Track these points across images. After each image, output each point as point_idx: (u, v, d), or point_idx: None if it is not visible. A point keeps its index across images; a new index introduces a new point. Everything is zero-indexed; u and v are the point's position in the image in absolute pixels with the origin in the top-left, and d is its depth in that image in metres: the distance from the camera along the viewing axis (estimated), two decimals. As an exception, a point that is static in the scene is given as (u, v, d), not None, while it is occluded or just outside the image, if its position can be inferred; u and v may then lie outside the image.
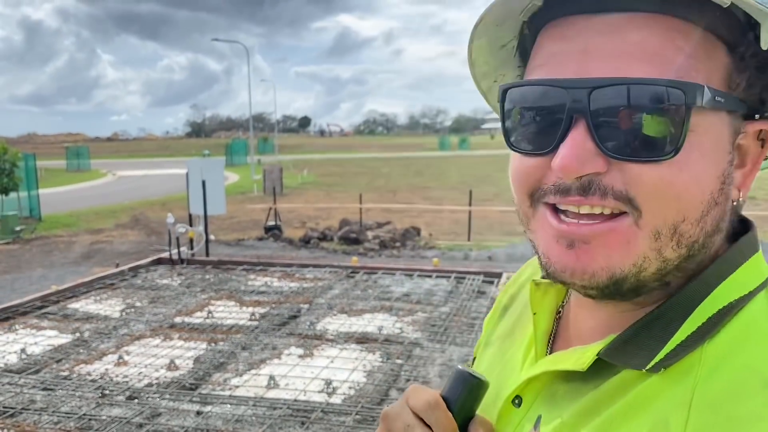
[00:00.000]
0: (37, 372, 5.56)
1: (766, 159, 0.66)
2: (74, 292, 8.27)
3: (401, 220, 17.18)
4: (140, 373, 5.56)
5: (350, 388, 5.20)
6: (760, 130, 0.64)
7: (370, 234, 14.82)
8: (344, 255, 12.73)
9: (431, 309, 7.51)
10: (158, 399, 4.97)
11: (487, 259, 12.16)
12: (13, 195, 18.22)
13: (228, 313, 7.47)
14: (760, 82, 0.62)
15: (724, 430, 0.53)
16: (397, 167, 44.41)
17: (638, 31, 0.58)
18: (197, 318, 7.23)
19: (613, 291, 0.61)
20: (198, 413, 4.70)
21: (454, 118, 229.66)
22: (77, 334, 6.61)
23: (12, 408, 4.74)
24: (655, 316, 0.62)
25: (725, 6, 0.56)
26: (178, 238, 9.93)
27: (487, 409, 0.74)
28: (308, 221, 18.00)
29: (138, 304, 7.85)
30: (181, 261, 9.97)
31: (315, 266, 9.87)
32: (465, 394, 0.71)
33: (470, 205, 16.06)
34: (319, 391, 5.11)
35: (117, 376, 5.49)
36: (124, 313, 7.40)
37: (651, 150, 0.57)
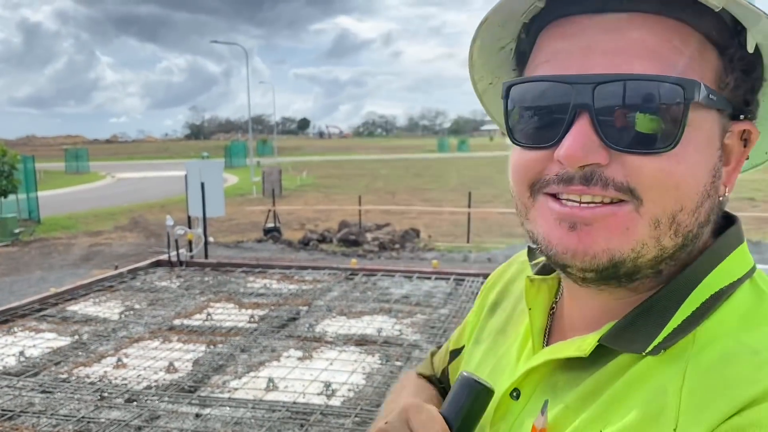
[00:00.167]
0: (35, 374, 5.55)
1: (747, 159, 0.70)
2: (73, 295, 8.25)
3: (400, 222, 17.18)
4: (139, 375, 5.55)
5: (349, 390, 5.20)
6: (743, 130, 0.68)
7: (369, 236, 14.81)
8: (343, 257, 12.73)
9: (430, 311, 7.50)
10: (157, 401, 4.96)
11: (487, 260, 12.16)
12: (11, 197, 18.21)
13: (227, 315, 7.46)
14: (745, 84, 0.66)
15: (717, 390, 0.57)
16: (396, 169, 44.42)
17: (638, 30, 0.61)
18: (196, 320, 7.22)
19: (610, 274, 0.64)
20: (197, 416, 4.69)
21: (453, 120, 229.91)
22: (76, 337, 6.60)
23: (10, 411, 4.73)
24: (651, 303, 0.66)
25: (717, 10, 0.61)
26: (177, 240, 9.92)
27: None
28: (307, 223, 18.00)
29: (137, 306, 7.84)
30: (180, 263, 9.96)
31: (314, 268, 9.86)
32: (471, 401, 0.71)
33: (469, 206, 16.06)
34: (319, 394, 5.10)
35: (116, 378, 5.48)
36: (122, 316, 7.39)
37: (651, 143, 0.60)
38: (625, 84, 0.60)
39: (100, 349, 6.22)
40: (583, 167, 0.61)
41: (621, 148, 0.61)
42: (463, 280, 8.85)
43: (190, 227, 10.97)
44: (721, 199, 0.67)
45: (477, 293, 8.11)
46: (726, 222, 0.71)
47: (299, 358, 5.93)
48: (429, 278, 9.06)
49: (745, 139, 0.68)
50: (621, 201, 0.62)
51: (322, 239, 14.77)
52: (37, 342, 6.45)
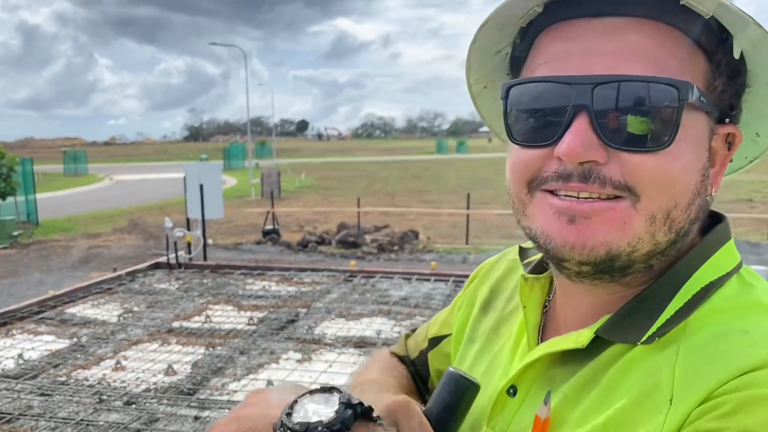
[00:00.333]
0: (34, 377, 5.54)
1: (731, 162, 0.74)
2: (72, 297, 8.24)
3: (399, 224, 17.19)
4: (138, 378, 5.54)
5: (349, 392, 5.19)
6: (728, 134, 0.71)
7: (368, 238, 14.81)
8: (342, 259, 12.73)
9: (429, 313, 7.50)
10: (156, 404, 4.95)
11: (486, 262, 12.15)
12: (10, 199, 18.19)
13: (226, 317, 7.45)
14: (730, 89, 0.69)
15: (711, 362, 0.59)
16: (395, 171, 44.44)
17: (635, 34, 0.64)
18: (195, 322, 7.21)
19: (606, 267, 0.66)
20: (196, 418, 4.69)
21: (451, 122, 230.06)
22: (75, 339, 6.59)
23: (9, 414, 4.72)
24: (644, 296, 0.69)
25: (706, 17, 0.64)
26: (175, 243, 9.91)
27: (478, 401, 0.74)
28: (306, 225, 18.00)
29: (136, 308, 7.83)
30: (179, 265, 9.95)
31: (313, 270, 9.86)
32: (458, 397, 0.71)
33: (468, 208, 16.07)
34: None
35: (114, 381, 5.47)
36: (121, 318, 7.38)
37: (648, 141, 0.63)
38: (623, 85, 0.62)
39: (98, 352, 6.21)
40: (582, 164, 0.63)
41: (619, 147, 0.63)
42: (462, 281, 8.83)
43: (188, 229, 10.96)
44: (708, 198, 0.70)
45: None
46: (713, 221, 0.74)
47: (298, 361, 5.92)
48: (428, 280, 9.06)
49: (729, 143, 0.72)
50: (618, 197, 0.64)
51: (321, 241, 14.77)
52: (35, 344, 6.44)
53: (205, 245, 10.97)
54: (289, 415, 0.59)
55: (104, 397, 5.04)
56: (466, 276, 1.07)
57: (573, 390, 0.68)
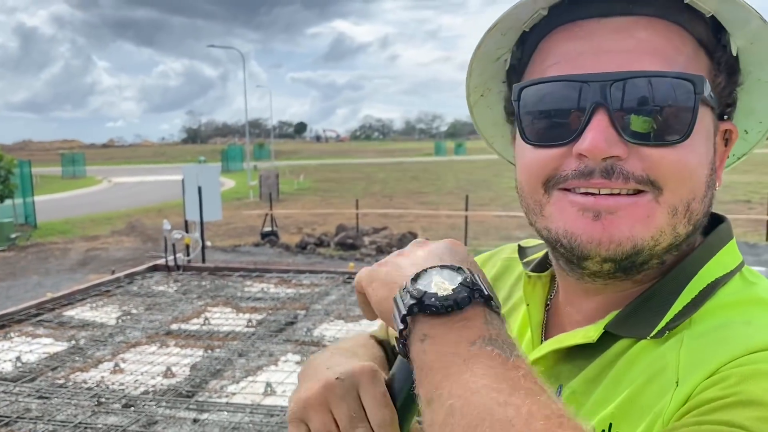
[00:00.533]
0: (32, 380, 5.53)
1: (728, 158, 0.76)
2: (70, 300, 8.23)
3: (398, 226, 17.19)
4: (136, 380, 5.53)
5: (348, 394, 5.19)
6: (726, 130, 0.73)
7: (366, 239, 14.81)
8: (341, 260, 12.72)
9: (428, 314, 7.50)
10: (154, 407, 4.94)
11: (484, 263, 12.15)
12: (8, 202, 18.17)
13: (224, 319, 7.44)
14: (728, 87, 0.71)
15: (715, 345, 0.60)
16: (394, 172, 44.45)
17: (644, 31, 0.66)
18: (194, 325, 7.21)
19: (628, 264, 0.67)
20: (195, 421, 4.68)
21: (450, 123, 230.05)
22: (73, 342, 6.58)
23: (7, 417, 4.71)
24: (652, 292, 0.70)
25: (707, 15, 0.66)
26: (174, 245, 9.90)
27: None
28: (305, 227, 17.99)
29: (134, 311, 7.82)
30: (178, 267, 9.94)
31: (311, 272, 9.85)
32: (411, 395, 0.68)
33: (466, 209, 16.07)
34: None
35: (113, 383, 5.46)
36: (120, 320, 7.37)
37: (667, 135, 0.64)
38: (641, 80, 0.64)
39: (97, 354, 6.20)
40: (605, 160, 0.64)
41: (639, 141, 0.64)
42: (460, 283, 8.82)
43: (187, 231, 10.95)
44: (713, 192, 0.71)
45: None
46: (714, 222, 0.76)
47: (297, 363, 5.91)
48: (427, 282, 9.05)
49: (726, 139, 0.73)
50: (639, 191, 0.65)
51: (320, 243, 14.77)
52: (33, 347, 6.43)
53: (203, 247, 10.96)
54: (414, 280, 0.60)
55: (103, 399, 5.03)
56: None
57: (581, 385, 0.69)
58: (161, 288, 9.02)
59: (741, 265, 0.72)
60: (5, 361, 6.03)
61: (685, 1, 0.66)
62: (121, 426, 4.57)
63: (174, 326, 7.13)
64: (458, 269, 0.60)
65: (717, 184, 0.72)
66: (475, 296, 0.58)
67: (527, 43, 0.73)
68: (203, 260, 10.83)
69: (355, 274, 9.70)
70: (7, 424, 4.61)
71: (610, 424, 0.63)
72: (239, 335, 6.78)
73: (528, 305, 0.81)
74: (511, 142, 0.82)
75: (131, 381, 5.51)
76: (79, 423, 4.62)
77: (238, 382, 5.49)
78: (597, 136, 0.63)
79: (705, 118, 0.67)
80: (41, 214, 19.97)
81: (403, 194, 28.33)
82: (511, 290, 0.91)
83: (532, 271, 0.84)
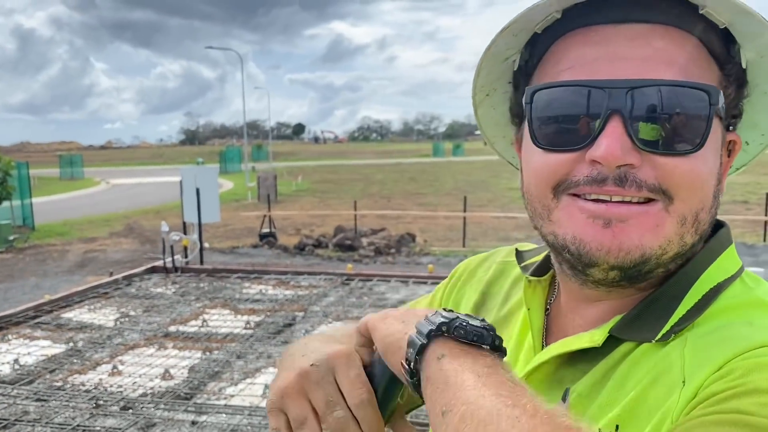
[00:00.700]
0: (30, 383, 5.52)
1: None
2: (68, 302, 8.22)
3: (396, 227, 17.19)
4: (135, 382, 5.52)
5: (346, 396, 5.18)
6: (730, 141, 0.73)
7: (364, 241, 14.81)
8: (339, 262, 12.73)
9: (427, 316, 7.50)
10: (153, 409, 4.94)
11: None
12: (6, 204, 18.16)
13: (223, 321, 7.44)
14: (736, 99, 0.71)
15: (719, 343, 0.61)
16: (392, 173, 44.44)
17: (661, 40, 0.66)
18: (192, 327, 7.20)
19: (634, 273, 0.67)
20: (193, 423, 4.67)
21: (448, 125, 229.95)
22: (71, 344, 6.57)
23: (5, 420, 4.70)
24: (656, 296, 0.70)
25: (722, 27, 0.67)
26: (172, 247, 9.89)
27: None
28: (303, 228, 17.99)
29: (132, 313, 7.81)
30: (176, 269, 9.94)
31: (310, 274, 9.85)
32: (393, 378, 0.70)
33: (465, 211, 16.08)
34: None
35: (111, 386, 5.45)
36: (118, 323, 7.36)
37: (681, 144, 0.65)
38: (657, 89, 0.63)
39: (95, 357, 6.19)
40: (619, 167, 0.64)
41: (653, 150, 0.64)
42: (459, 284, 8.82)
43: (185, 233, 10.94)
44: (718, 202, 0.72)
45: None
46: (713, 226, 0.76)
47: (295, 364, 5.91)
48: (425, 283, 9.05)
49: (730, 150, 0.73)
50: (651, 200, 0.65)
51: (318, 244, 14.77)
52: (31, 349, 6.42)
53: (201, 249, 10.95)
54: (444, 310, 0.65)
55: (101, 402, 5.02)
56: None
57: (586, 388, 0.69)
58: (159, 290, 9.01)
59: (741, 270, 0.72)
60: (3, 363, 6.02)
61: (701, 12, 0.66)
62: (120, 428, 4.56)
63: (172, 328, 7.13)
64: (482, 319, 0.63)
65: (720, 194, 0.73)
66: (496, 342, 0.61)
67: (537, 45, 0.72)
68: (201, 262, 10.83)
69: (353, 275, 9.73)
70: (5, 427, 4.60)
71: (617, 426, 0.63)
72: (237, 337, 6.78)
73: (529, 309, 0.81)
74: (514, 144, 0.83)
75: (129, 383, 5.51)
76: (78, 425, 4.61)
77: (236, 384, 5.48)
78: (613, 143, 0.63)
79: (716, 129, 0.67)
80: (39, 215, 19.95)
81: (402, 195, 28.34)
82: (507, 294, 0.91)
83: (532, 275, 0.84)
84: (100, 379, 5.60)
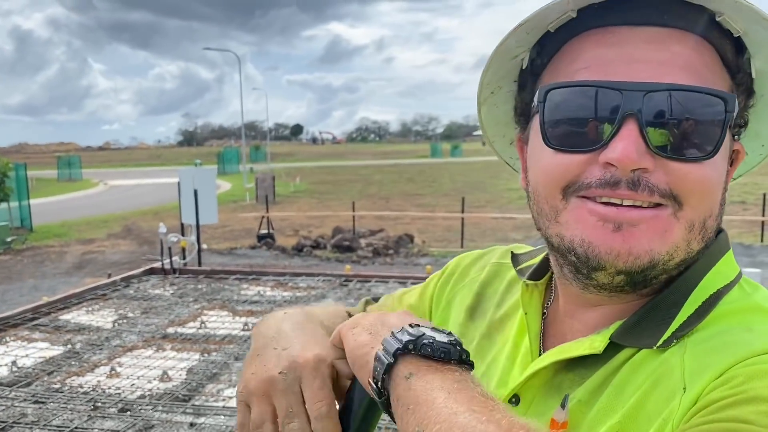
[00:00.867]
0: (28, 385, 5.51)
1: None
2: (66, 303, 8.20)
3: (394, 228, 17.20)
4: (133, 384, 5.51)
5: (344, 397, 5.18)
6: (734, 150, 0.73)
7: (363, 242, 14.81)
8: (337, 263, 12.73)
9: (425, 317, 7.49)
10: (151, 411, 4.93)
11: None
12: (3, 205, 18.14)
13: (221, 323, 7.43)
14: (743, 108, 0.70)
15: (718, 352, 0.61)
16: (390, 174, 44.44)
17: (679, 45, 0.65)
18: (190, 328, 7.19)
19: (640, 278, 0.67)
20: (191, 425, 4.67)
21: (446, 125, 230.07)
22: (69, 346, 6.56)
23: (2, 422, 4.69)
24: (656, 302, 0.69)
25: (736, 35, 0.66)
26: (170, 248, 9.88)
27: None
28: (301, 229, 17.98)
29: (130, 314, 7.80)
30: (174, 271, 9.92)
31: (308, 275, 9.84)
32: (369, 403, 0.70)
33: (463, 211, 16.09)
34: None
35: (109, 388, 5.45)
36: (116, 324, 7.35)
37: (695, 151, 0.64)
38: (674, 93, 0.63)
39: (93, 358, 6.18)
40: (633, 171, 0.63)
41: (667, 155, 0.64)
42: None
43: (183, 234, 10.94)
44: (723, 210, 0.72)
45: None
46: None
47: (294, 366, 5.91)
48: (423, 284, 9.05)
49: (733, 159, 0.73)
50: (660, 205, 0.64)
51: (316, 245, 14.76)
52: (29, 352, 6.41)
53: (199, 250, 10.94)
54: (410, 326, 0.65)
55: (99, 404, 5.02)
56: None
57: (586, 394, 0.68)
58: (157, 291, 9.00)
59: (739, 275, 0.72)
60: (0, 365, 6.01)
61: (717, 19, 0.65)
62: (118, 430, 4.56)
63: (170, 330, 7.12)
64: (449, 333, 0.64)
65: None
66: (463, 356, 0.62)
67: (547, 44, 0.72)
68: (199, 263, 10.83)
69: (352, 276, 9.71)
70: (3, 430, 4.60)
71: None
72: (236, 339, 6.77)
73: (526, 314, 0.80)
74: (515, 144, 0.82)
75: (127, 385, 5.50)
76: (76, 428, 4.60)
77: (234, 386, 5.47)
78: (628, 146, 0.62)
79: (727, 137, 0.67)
80: (37, 217, 19.93)
81: (400, 196, 28.34)
82: (502, 297, 0.90)
83: (529, 278, 0.83)
84: (98, 381, 5.59)
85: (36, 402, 5.10)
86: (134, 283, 9.45)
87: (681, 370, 0.61)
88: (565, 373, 0.72)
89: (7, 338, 6.85)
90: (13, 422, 4.71)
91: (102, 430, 4.58)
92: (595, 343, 0.69)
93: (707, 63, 0.66)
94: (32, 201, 20.49)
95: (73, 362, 6.09)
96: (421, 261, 13.01)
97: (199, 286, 9.25)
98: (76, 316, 7.77)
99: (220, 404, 5.06)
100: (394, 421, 0.61)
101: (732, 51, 0.68)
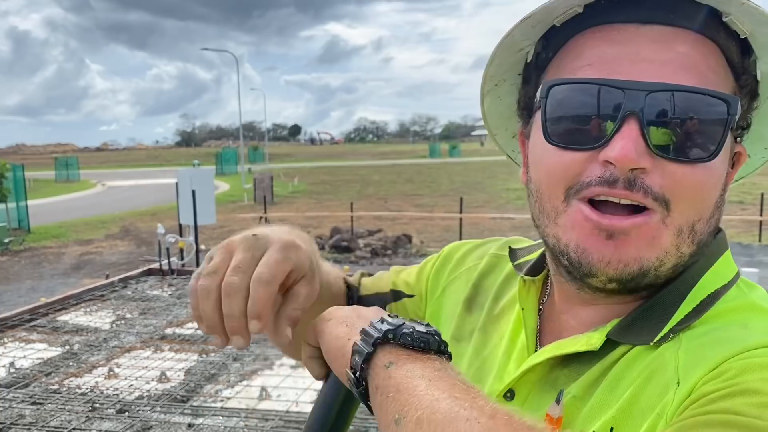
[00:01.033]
0: (26, 386, 5.50)
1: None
2: (64, 304, 8.19)
3: (392, 228, 17.20)
4: (131, 385, 5.51)
5: (343, 398, 5.17)
6: (736, 153, 0.72)
7: (361, 242, 14.81)
8: (336, 263, 12.69)
9: (423, 317, 7.49)
10: (149, 412, 4.93)
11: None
12: (1, 206, 18.11)
13: (219, 323, 7.42)
14: (747, 110, 0.71)
15: (713, 347, 0.61)
16: (388, 175, 44.45)
17: (684, 45, 0.65)
18: (188, 329, 7.19)
19: (633, 286, 0.68)
20: (189, 426, 4.67)
21: (444, 126, 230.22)
22: (67, 347, 6.55)
23: (0, 423, 4.69)
24: (654, 302, 0.70)
25: (742, 36, 0.66)
26: (168, 249, 9.87)
27: None
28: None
29: (128, 315, 7.80)
30: (172, 271, 9.91)
31: (306, 275, 9.83)
32: (345, 397, 0.70)
33: (461, 212, 16.10)
34: (312, 402, 5.08)
35: (107, 389, 5.44)
36: (114, 325, 7.34)
37: (695, 152, 0.64)
38: (677, 94, 0.63)
39: (91, 359, 6.18)
40: (631, 171, 0.63)
41: (666, 156, 0.63)
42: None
43: (181, 235, 10.93)
44: (721, 212, 0.72)
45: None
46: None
47: (292, 366, 5.90)
48: (422, 284, 9.05)
49: (734, 161, 0.72)
50: (650, 211, 0.64)
51: (315, 246, 14.75)
52: (27, 353, 6.40)
53: (197, 251, 10.93)
54: (390, 316, 0.66)
55: (97, 405, 5.01)
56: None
57: (581, 389, 0.69)
58: (155, 292, 8.99)
59: (737, 276, 0.72)
60: (-1, 366, 6.00)
61: (724, 20, 0.65)
62: (116, 431, 4.55)
63: (168, 330, 7.11)
64: (427, 324, 0.64)
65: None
66: (442, 347, 0.62)
67: (552, 39, 0.71)
68: (197, 264, 10.80)
69: (350, 276, 9.68)
70: (1, 431, 4.59)
71: (612, 428, 0.63)
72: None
73: (523, 309, 0.80)
74: (518, 138, 0.81)
75: (126, 386, 5.49)
76: (74, 429, 4.60)
77: (233, 387, 5.48)
78: (628, 145, 0.62)
79: (728, 139, 0.67)
80: (35, 218, 19.90)
81: (398, 196, 28.35)
82: (499, 290, 0.90)
83: (526, 274, 0.83)
84: (96, 382, 5.58)
85: (34, 403, 5.09)
86: (132, 284, 9.44)
87: (675, 364, 0.62)
88: (561, 369, 0.72)
89: (5, 339, 6.84)
90: (11, 423, 4.70)
91: (100, 430, 4.57)
92: (592, 340, 0.70)
93: (711, 64, 0.66)
94: (30, 202, 20.47)
95: (71, 363, 6.08)
96: (419, 261, 12.90)
97: (198, 287, 9.24)
98: (74, 317, 7.76)
99: (219, 405, 5.06)
100: (372, 413, 0.60)
101: (737, 52, 0.68)
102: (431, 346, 0.61)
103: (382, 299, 1.01)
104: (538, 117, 0.71)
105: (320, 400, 0.72)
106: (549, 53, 0.72)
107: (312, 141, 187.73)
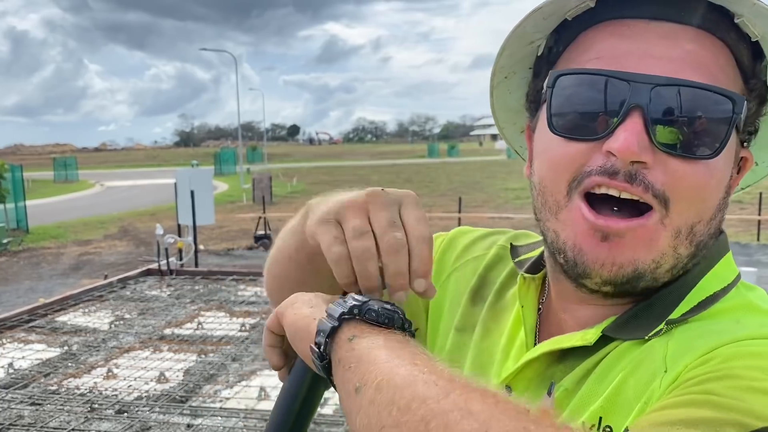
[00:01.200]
0: (24, 387, 5.50)
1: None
2: (62, 305, 8.19)
3: (391, 228, 17.17)
4: (130, 386, 5.51)
5: (342, 398, 5.18)
6: (742, 158, 0.72)
7: (360, 242, 14.79)
8: (334, 263, 12.70)
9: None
10: (148, 412, 4.93)
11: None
12: (-1, 207, 18.09)
13: (218, 324, 7.43)
14: (755, 115, 0.70)
15: (702, 337, 0.62)
16: (387, 175, 44.42)
17: (692, 43, 0.65)
18: (187, 329, 7.19)
19: (629, 288, 0.67)
20: (188, 426, 4.67)
21: (442, 126, 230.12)
22: (66, 348, 6.55)
23: (0, 424, 4.69)
24: (652, 301, 0.69)
25: (753, 39, 0.66)
26: (167, 249, 9.87)
27: None
28: (298, 230, 17.96)
29: (127, 315, 7.80)
30: (170, 272, 9.91)
31: (305, 275, 9.83)
32: (311, 382, 0.70)
33: (460, 211, 16.10)
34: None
35: (106, 389, 5.44)
36: (113, 326, 7.34)
37: (696, 149, 0.64)
38: (683, 90, 0.63)
39: (90, 360, 6.18)
40: (632, 164, 0.63)
41: (668, 151, 0.63)
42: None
43: (180, 235, 10.93)
44: (723, 215, 0.71)
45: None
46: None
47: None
48: (420, 284, 9.05)
49: (740, 166, 0.72)
50: (648, 213, 0.64)
51: (313, 246, 14.75)
52: (26, 353, 6.40)
53: (196, 251, 10.94)
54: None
55: (96, 405, 5.01)
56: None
57: (572, 383, 0.69)
58: (154, 292, 8.99)
59: (737, 278, 0.72)
60: (-3, 367, 6.00)
61: (736, 21, 0.65)
62: (115, 432, 4.55)
63: (167, 331, 7.12)
64: (392, 304, 0.64)
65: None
66: (405, 325, 0.62)
67: (564, 32, 0.71)
68: (196, 264, 10.81)
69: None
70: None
71: (600, 418, 0.63)
72: (233, 339, 6.77)
73: (522, 307, 0.80)
74: (525, 132, 0.81)
75: (124, 386, 5.50)
76: (72, 429, 4.60)
77: (231, 387, 5.48)
78: (630, 137, 0.62)
79: (732, 140, 0.66)
80: (33, 218, 19.87)
81: (397, 196, 28.31)
82: (502, 285, 0.89)
83: (526, 272, 0.83)
84: (95, 383, 5.58)
85: (33, 404, 5.09)
86: (131, 285, 9.44)
87: (663, 354, 0.62)
88: (557, 365, 0.73)
89: (4, 340, 6.83)
90: (10, 424, 4.70)
91: (99, 431, 4.57)
92: (587, 336, 0.70)
93: (720, 64, 0.66)
94: (28, 202, 20.44)
95: (69, 364, 6.08)
96: (418, 261, 13.00)
97: (196, 287, 9.24)
98: (72, 317, 7.76)
99: (217, 405, 5.06)
100: (336, 388, 0.61)
101: (748, 55, 0.67)
102: (395, 323, 0.61)
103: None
104: (544, 109, 0.72)
105: (284, 389, 0.72)
106: (560, 47, 0.72)
107: (311, 141, 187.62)
